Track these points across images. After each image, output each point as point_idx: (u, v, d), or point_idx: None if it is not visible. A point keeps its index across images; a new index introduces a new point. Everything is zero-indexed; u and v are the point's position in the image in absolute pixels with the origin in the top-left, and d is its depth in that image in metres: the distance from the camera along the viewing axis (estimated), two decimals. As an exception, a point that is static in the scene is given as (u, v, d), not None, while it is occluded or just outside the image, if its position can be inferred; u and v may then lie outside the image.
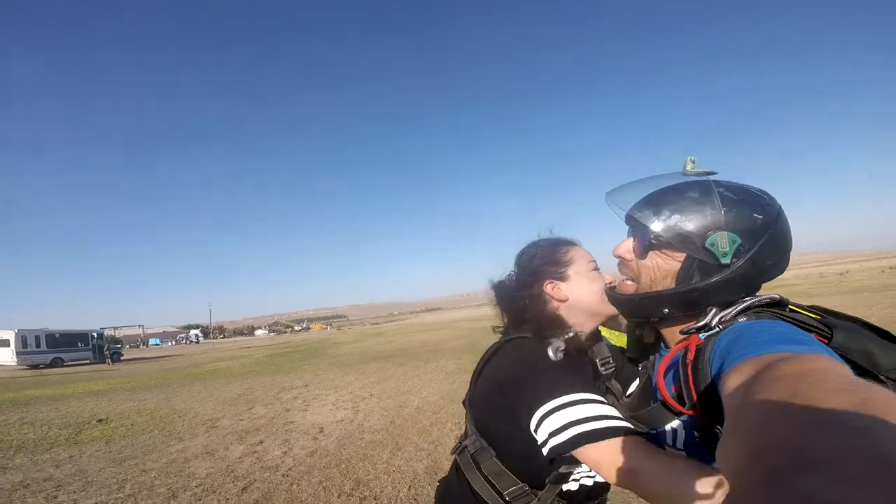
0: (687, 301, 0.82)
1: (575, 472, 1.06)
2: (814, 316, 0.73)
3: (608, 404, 0.96)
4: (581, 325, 1.17)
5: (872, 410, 0.26)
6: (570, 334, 1.09)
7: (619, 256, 0.94)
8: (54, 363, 28.86)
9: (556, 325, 1.12)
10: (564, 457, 0.94)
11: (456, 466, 1.20)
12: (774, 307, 0.78)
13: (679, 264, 0.83)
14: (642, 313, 0.91)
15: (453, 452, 1.23)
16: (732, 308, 0.77)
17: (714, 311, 0.78)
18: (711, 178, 0.85)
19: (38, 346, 28.88)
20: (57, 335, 30.66)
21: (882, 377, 0.66)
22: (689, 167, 0.87)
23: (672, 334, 0.91)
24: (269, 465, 4.63)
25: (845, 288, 21.56)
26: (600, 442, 0.87)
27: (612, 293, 0.99)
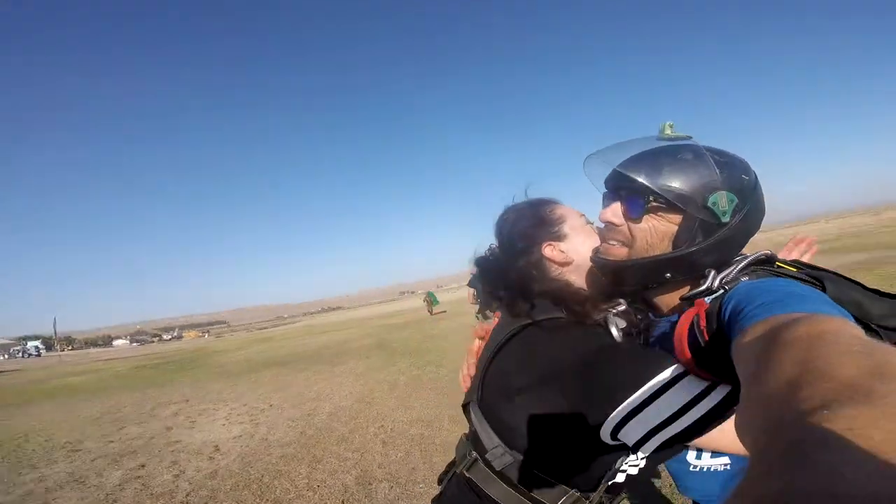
0: (691, 263, 0.82)
1: (625, 463, 0.92)
2: (796, 269, 0.77)
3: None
4: (590, 288, 1.01)
5: (889, 374, 0.26)
6: (622, 306, 0.94)
7: (607, 221, 0.90)
8: None
9: (575, 295, 0.95)
10: (621, 450, 0.83)
11: (466, 484, 0.95)
12: (767, 264, 0.81)
13: (676, 226, 0.83)
14: (639, 279, 0.89)
15: (459, 466, 0.98)
16: (732, 268, 0.78)
17: (713, 273, 0.77)
18: (691, 142, 0.86)
19: None
20: None
21: (873, 326, 0.69)
22: (667, 131, 0.87)
23: (665, 301, 0.92)
24: (160, 492, 3.99)
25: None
26: (724, 419, 0.74)
27: (599, 259, 0.93)
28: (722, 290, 0.75)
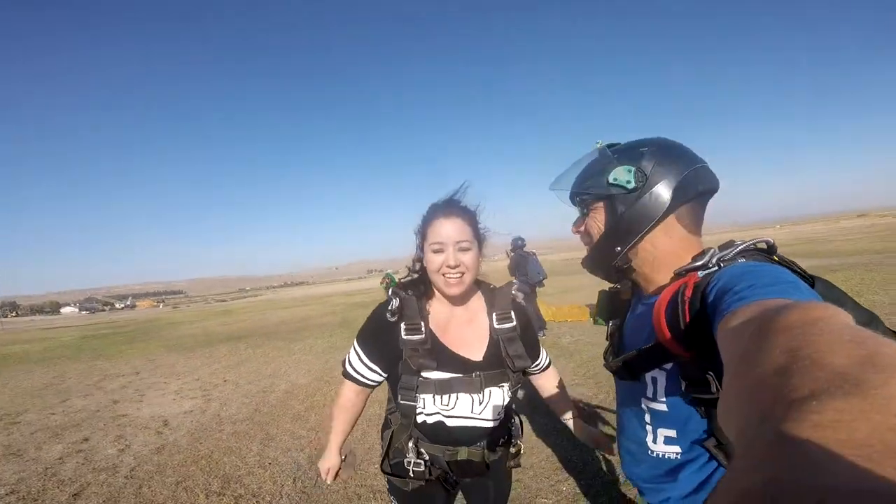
0: (625, 230, 0.93)
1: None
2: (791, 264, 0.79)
3: None
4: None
5: (880, 365, 0.26)
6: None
7: (575, 233, 1.07)
8: None
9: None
10: None
11: None
12: (767, 252, 0.82)
13: (605, 210, 0.97)
14: (601, 260, 1.01)
15: None
16: (731, 249, 0.81)
17: (712, 250, 0.83)
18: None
19: None
20: None
21: None
22: (598, 146, 1.02)
23: (649, 281, 0.97)
24: (103, 467, 3.88)
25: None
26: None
27: (583, 261, 1.08)
28: (716, 268, 0.77)
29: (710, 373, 0.74)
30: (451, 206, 1.31)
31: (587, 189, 0.97)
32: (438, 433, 1.33)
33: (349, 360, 1.42)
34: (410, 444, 1.33)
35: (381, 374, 1.39)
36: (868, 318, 0.74)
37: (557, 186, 1.07)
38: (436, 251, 1.27)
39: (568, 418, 1.57)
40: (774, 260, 0.78)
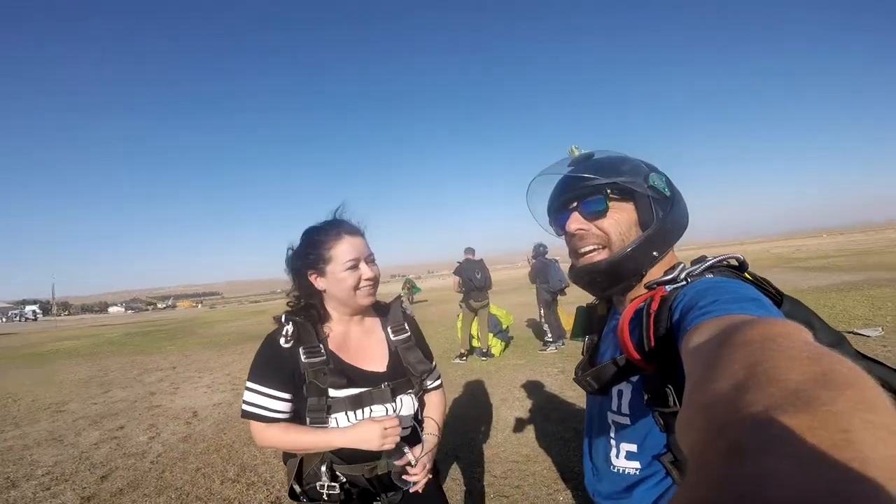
0: (665, 235, 0.89)
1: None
2: (760, 282, 0.79)
3: None
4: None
5: (833, 382, 0.27)
6: None
7: (576, 231, 0.93)
8: None
9: None
10: None
11: None
12: (736, 269, 0.81)
13: (635, 213, 0.90)
14: (634, 267, 0.90)
15: None
16: (699, 264, 0.81)
17: (682, 265, 0.83)
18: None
19: None
20: None
21: None
22: (575, 153, 0.97)
23: (624, 301, 0.95)
24: (132, 452, 4.12)
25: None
26: None
27: (582, 269, 0.95)
28: (684, 283, 0.78)
29: (669, 386, 0.73)
30: (347, 224, 1.36)
31: (621, 181, 0.89)
32: (355, 451, 1.29)
33: (250, 402, 1.31)
34: (323, 468, 1.30)
35: (288, 402, 1.31)
36: (836, 339, 0.74)
37: (579, 171, 0.94)
38: (350, 269, 1.30)
39: (428, 434, 1.47)
40: (744, 277, 0.79)
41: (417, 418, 1.44)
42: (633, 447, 0.88)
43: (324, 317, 1.39)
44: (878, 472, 0.20)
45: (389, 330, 1.45)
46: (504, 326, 7.70)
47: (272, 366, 1.31)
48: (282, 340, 1.30)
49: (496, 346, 7.41)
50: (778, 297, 0.75)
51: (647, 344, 0.72)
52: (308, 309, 1.38)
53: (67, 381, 8.31)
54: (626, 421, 0.88)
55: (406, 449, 1.34)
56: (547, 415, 4.30)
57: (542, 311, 7.73)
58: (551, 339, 7.35)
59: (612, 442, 0.93)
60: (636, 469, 0.87)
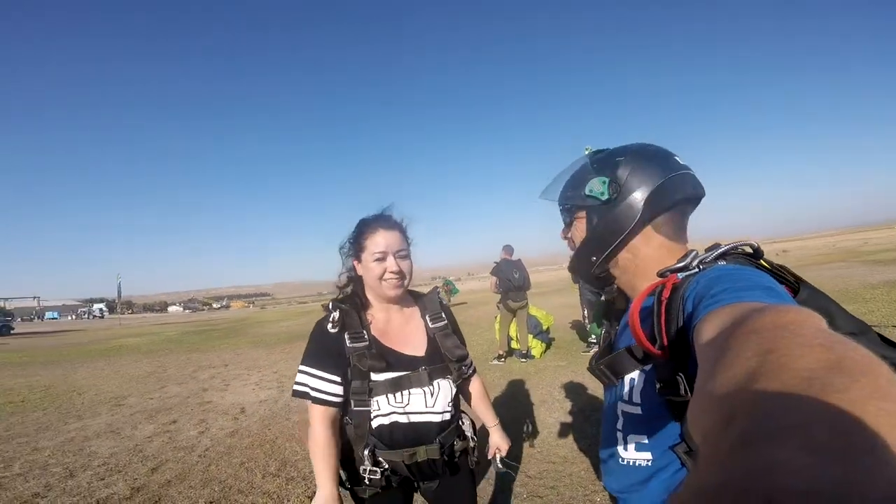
0: (599, 240, 0.95)
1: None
2: (776, 270, 0.77)
3: None
4: None
5: (847, 369, 0.26)
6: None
7: (563, 239, 1.09)
8: (-72, 334, 25.46)
9: None
10: None
11: None
12: (751, 256, 0.80)
13: (585, 220, 0.99)
14: (583, 269, 1.02)
15: None
16: (712, 251, 0.80)
17: (694, 252, 0.83)
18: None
19: None
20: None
21: None
22: (586, 153, 1.05)
23: (632, 288, 0.96)
24: (182, 446, 4.30)
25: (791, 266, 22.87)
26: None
27: (569, 267, 1.11)
28: (696, 270, 0.77)
29: (680, 374, 0.72)
30: (387, 219, 1.47)
31: (567, 200, 1.02)
32: (395, 435, 1.37)
33: (303, 384, 1.38)
34: (366, 452, 1.35)
35: (336, 384, 1.37)
36: (859, 328, 0.71)
37: (545, 196, 1.11)
38: (377, 259, 1.40)
39: (491, 425, 1.69)
40: (759, 264, 0.78)
41: (455, 405, 1.51)
42: (644, 438, 0.86)
43: (366, 304, 1.49)
44: (893, 460, 0.19)
45: (428, 317, 1.53)
46: (544, 327, 7.56)
47: (320, 350, 1.40)
48: (329, 326, 1.40)
49: (536, 347, 7.29)
50: (795, 285, 0.74)
51: (658, 331, 0.72)
52: (353, 297, 1.48)
53: (128, 376, 8.77)
54: (637, 410, 0.87)
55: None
56: (587, 417, 4.20)
57: (585, 312, 7.55)
58: (595, 341, 7.15)
59: (619, 434, 0.92)
60: (648, 460, 0.86)
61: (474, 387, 1.67)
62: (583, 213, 0.99)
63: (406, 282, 1.46)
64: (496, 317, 7.71)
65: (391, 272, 1.40)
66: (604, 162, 0.96)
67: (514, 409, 4.68)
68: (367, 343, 1.38)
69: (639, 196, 0.90)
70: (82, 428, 5.03)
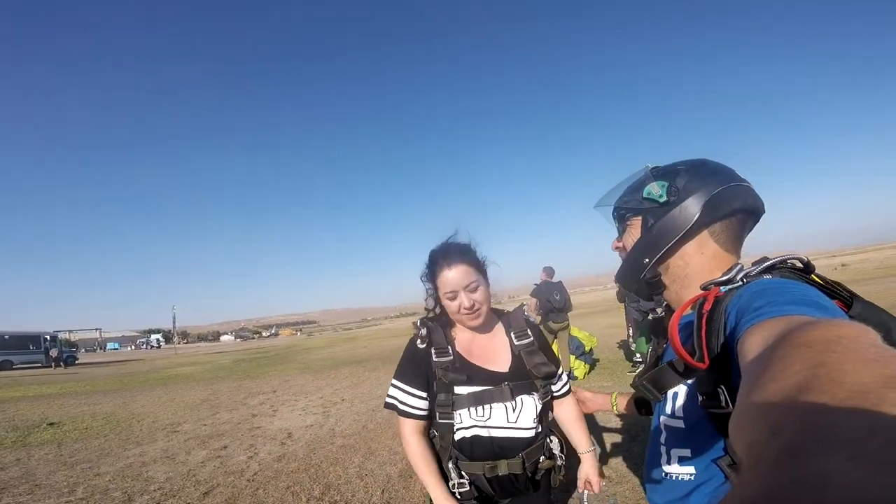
0: (654, 241, 0.93)
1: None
2: (829, 285, 0.74)
3: None
4: None
5: None
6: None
7: (615, 249, 1.09)
8: (2, 366, 27.52)
9: None
10: None
11: None
12: (800, 271, 0.77)
13: (641, 224, 0.98)
14: (632, 274, 1.00)
15: None
16: (758, 265, 0.78)
17: (739, 266, 0.80)
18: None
19: (-16, 347, 27.50)
20: (6, 336, 29.28)
21: None
22: (648, 169, 1.04)
23: (680, 299, 0.95)
24: (232, 470, 4.42)
25: (849, 280, 21.54)
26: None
27: (616, 276, 1.09)
28: (740, 283, 0.75)
29: (721, 387, 0.71)
30: (451, 255, 1.44)
31: (623, 204, 1.01)
32: (476, 448, 1.39)
33: (394, 398, 1.47)
34: (451, 464, 1.40)
35: (423, 399, 1.44)
36: None
37: (601, 204, 1.11)
38: (451, 299, 1.42)
39: (584, 451, 1.61)
40: (810, 279, 0.75)
41: (542, 422, 1.50)
42: (687, 452, 0.86)
43: (451, 322, 1.53)
44: None
45: (513, 335, 1.53)
46: (587, 349, 7.40)
47: (410, 365, 1.47)
48: (418, 342, 1.47)
49: (579, 368, 7.14)
50: (849, 300, 0.71)
51: (699, 344, 0.72)
52: (441, 316, 1.53)
53: (183, 403, 9.10)
54: (680, 424, 0.86)
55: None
56: (634, 436, 4.11)
57: (630, 331, 7.35)
58: (640, 360, 6.93)
59: (663, 448, 0.91)
60: (691, 475, 0.85)
61: (567, 408, 1.63)
62: (638, 218, 0.98)
63: (484, 310, 1.45)
64: (537, 338, 7.59)
65: (465, 308, 1.41)
66: (664, 170, 0.96)
67: (558, 430, 4.59)
68: (452, 358, 1.42)
69: (697, 200, 0.89)
70: (140, 454, 5.26)
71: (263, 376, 13.10)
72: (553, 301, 6.92)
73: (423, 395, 1.44)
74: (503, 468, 1.38)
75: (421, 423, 1.45)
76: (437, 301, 1.51)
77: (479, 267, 1.47)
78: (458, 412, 1.39)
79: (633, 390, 1.13)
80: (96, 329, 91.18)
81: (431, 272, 1.47)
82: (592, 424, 4.71)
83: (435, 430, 1.44)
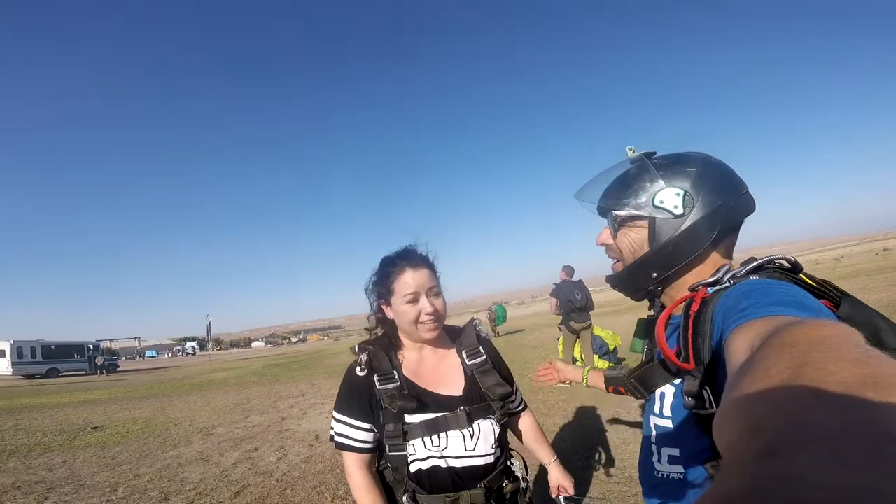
0: (667, 257, 0.89)
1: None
2: (817, 285, 0.74)
3: None
4: None
5: (880, 385, 0.25)
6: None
7: (601, 244, 1.03)
8: (49, 373, 28.73)
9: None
10: None
11: None
12: (788, 271, 0.77)
13: (647, 230, 0.91)
14: (636, 284, 0.97)
15: None
16: (744, 266, 0.78)
17: (726, 267, 0.80)
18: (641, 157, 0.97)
19: (33, 356, 28.80)
20: (52, 346, 30.58)
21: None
22: (630, 154, 0.98)
23: (674, 301, 0.92)
24: (263, 471, 4.59)
25: (842, 273, 20.84)
26: None
27: (608, 278, 1.05)
28: (728, 285, 0.75)
29: (706, 388, 0.72)
30: (413, 257, 1.36)
31: (629, 206, 0.93)
32: (434, 480, 1.27)
33: (336, 433, 1.34)
34: (405, 498, 1.27)
35: (369, 432, 1.31)
36: None
37: (584, 197, 1.04)
38: (410, 301, 1.30)
39: (549, 462, 1.57)
40: (797, 279, 0.74)
41: (501, 445, 1.39)
42: (675, 451, 0.87)
43: (397, 344, 1.41)
44: None
45: (464, 354, 1.42)
46: (611, 348, 7.34)
47: (351, 396, 1.34)
48: (357, 370, 1.32)
49: (603, 367, 7.09)
50: (838, 300, 0.71)
51: (685, 345, 0.74)
52: (383, 338, 1.41)
53: (217, 407, 9.33)
54: (668, 424, 0.88)
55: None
56: (632, 436, 4.12)
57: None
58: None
59: (654, 447, 0.93)
60: (681, 474, 0.86)
61: (525, 423, 1.56)
62: (643, 223, 0.92)
63: (442, 322, 1.36)
64: (559, 338, 7.59)
65: (426, 314, 1.29)
66: (671, 170, 0.90)
67: (580, 430, 4.62)
68: (399, 384, 1.31)
69: (711, 218, 0.86)
70: (177, 456, 5.48)
71: (293, 381, 13.35)
72: (574, 300, 6.85)
73: (368, 426, 1.30)
74: (465, 500, 1.26)
75: (366, 456, 1.32)
76: (382, 317, 1.42)
77: (437, 277, 1.38)
78: (411, 442, 1.26)
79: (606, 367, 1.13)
80: (135, 338, 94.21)
81: (386, 275, 1.35)
82: (592, 426, 4.71)
83: (388, 463, 1.32)
